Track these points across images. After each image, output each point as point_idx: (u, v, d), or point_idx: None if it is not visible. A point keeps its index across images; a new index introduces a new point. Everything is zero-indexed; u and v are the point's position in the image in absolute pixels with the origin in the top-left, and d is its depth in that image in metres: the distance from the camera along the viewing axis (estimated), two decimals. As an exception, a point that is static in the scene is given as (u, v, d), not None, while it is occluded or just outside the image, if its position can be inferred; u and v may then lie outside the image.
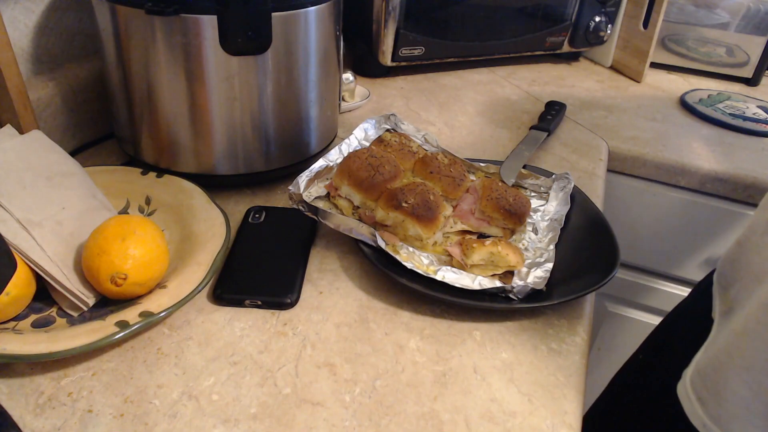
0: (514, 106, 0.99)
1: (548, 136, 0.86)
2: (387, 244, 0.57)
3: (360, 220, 0.61)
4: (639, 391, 0.65)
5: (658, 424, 0.58)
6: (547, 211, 0.67)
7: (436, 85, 1.05)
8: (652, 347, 0.70)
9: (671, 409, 0.53)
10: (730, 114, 0.99)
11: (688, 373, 0.53)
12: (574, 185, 0.69)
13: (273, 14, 0.59)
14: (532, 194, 0.71)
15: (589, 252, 0.61)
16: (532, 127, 0.86)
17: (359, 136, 0.72)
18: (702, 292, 0.61)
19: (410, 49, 1.00)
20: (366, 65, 1.04)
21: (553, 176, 0.71)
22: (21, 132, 0.60)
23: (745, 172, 0.84)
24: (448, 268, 0.57)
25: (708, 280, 0.61)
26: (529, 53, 1.14)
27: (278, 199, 0.69)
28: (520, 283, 0.55)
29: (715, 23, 1.12)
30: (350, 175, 0.62)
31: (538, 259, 0.59)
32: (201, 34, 0.57)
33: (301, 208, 0.60)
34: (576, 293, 0.54)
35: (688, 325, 0.61)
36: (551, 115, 0.90)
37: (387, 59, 1.00)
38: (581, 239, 0.63)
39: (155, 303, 0.49)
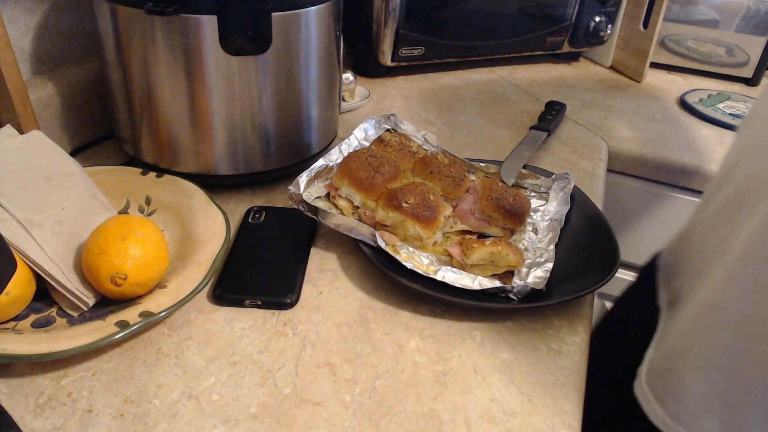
0: (514, 106, 0.99)
1: (548, 136, 0.86)
2: (387, 244, 0.57)
3: (360, 220, 0.61)
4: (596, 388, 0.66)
5: (618, 419, 0.59)
6: (547, 211, 0.67)
7: (436, 85, 1.05)
8: (605, 339, 0.70)
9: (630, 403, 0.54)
10: (730, 114, 0.99)
11: (643, 371, 0.54)
12: (574, 185, 0.69)
13: (273, 14, 0.59)
14: (532, 194, 0.71)
15: (589, 252, 0.61)
16: (532, 127, 0.86)
17: (359, 136, 0.72)
18: (646, 279, 0.62)
19: (410, 49, 1.00)
20: (366, 65, 1.04)
21: (553, 176, 0.71)
22: (21, 132, 0.60)
23: (745, 172, 0.84)
24: (448, 268, 0.57)
25: (651, 267, 0.63)
26: (529, 53, 1.14)
27: (278, 199, 0.69)
28: (520, 283, 0.55)
29: (716, 23, 1.12)
30: (350, 175, 0.62)
31: (538, 259, 0.59)
32: (201, 34, 0.57)
33: (301, 208, 0.60)
34: (576, 293, 0.54)
35: (636, 314, 0.62)
36: (551, 115, 0.90)
37: (387, 59, 1.00)
38: (581, 239, 0.63)
39: (155, 303, 0.49)
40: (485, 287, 0.54)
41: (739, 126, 0.54)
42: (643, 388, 0.52)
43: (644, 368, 0.54)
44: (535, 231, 0.64)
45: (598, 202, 0.73)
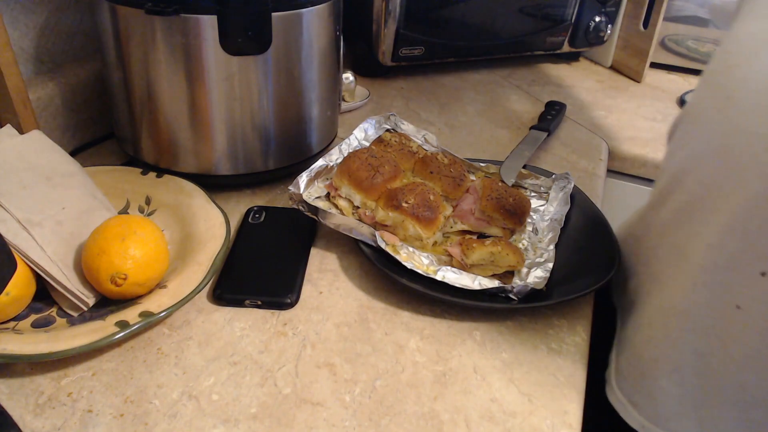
0: (514, 106, 0.99)
1: (548, 136, 0.85)
2: (387, 244, 0.57)
3: (360, 220, 0.61)
4: None
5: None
6: (547, 211, 0.67)
7: (436, 85, 1.05)
8: None
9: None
10: (730, 114, 0.98)
11: (612, 377, 0.54)
12: (574, 185, 0.69)
13: (273, 14, 0.59)
14: (532, 194, 0.71)
15: (589, 252, 0.61)
16: (532, 127, 0.86)
17: (359, 136, 0.72)
18: None
19: (410, 49, 1.00)
20: (366, 65, 1.04)
21: (553, 176, 0.71)
22: (21, 132, 0.60)
23: (745, 172, 0.84)
24: (448, 268, 0.57)
25: None
26: (529, 53, 1.14)
27: (278, 199, 0.69)
28: (520, 283, 0.55)
29: (716, 23, 1.12)
30: (350, 175, 0.62)
31: (538, 259, 0.59)
32: (201, 34, 0.57)
33: (301, 208, 0.60)
34: (576, 293, 0.54)
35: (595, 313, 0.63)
36: (551, 115, 0.90)
37: (387, 59, 1.00)
38: (581, 239, 0.63)
39: (155, 303, 0.49)
40: (485, 287, 0.54)
41: (679, 126, 0.54)
42: (616, 394, 0.53)
43: (612, 373, 0.55)
44: (535, 231, 0.64)
45: (598, 202, 0.73)
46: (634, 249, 0.58)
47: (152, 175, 0.66)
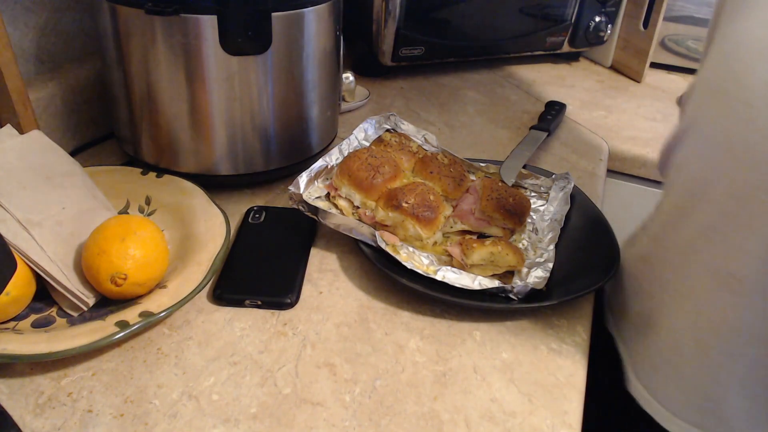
0: (514, 106, 0.99)
1: (548, 136, 0.85)
2: (387, 244, 0.57)
3: (360, 220, 0.61)
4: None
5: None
6: (547, 211, 0.67)
7: (436, 85, 1.05)
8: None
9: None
10: (730, 114, 0.98)
11: (659, 409, 0.53)
12: (574, 185, 0.69)
13: (273, 14, 0.59)
14: (532, 194, 0.71)
15: (589, 252, 0.61)
16: (532, 127, 0.86)
17: (359, 136, 0.72)
18: None
19: (410, 49, 1.00)
20: (366, 65, 1.04)
21: (553, 176, 0.71)
22: (21, 132, 0.60)
23: (745, 172, 0.84)
24: (448, 268, 0.57)
25: None
26: (529, 53, 1.14)
27: (278, 199, 0.69)
28: (520, 283, 0.55)
29: (715, 23, 1.12)
30: (350, 175, 0.62)
31: (538, 259, 0.59)
32: (201, 34, 0.57)
33: (301, 208, 0.60)
34: (576, 293, 0.54)
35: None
36: (551, 115, 0.90)
37: (387, 59, 1.00)
38: (581, 239, 0.63)
39: (155, 303, 0.49)
40: (485, 287, 0.54)
41: (684, 139, 0.51)
42: (677, 423, 0.52)
43: (656, 406, 0.54)
44: (535, 231, 0.64)
45: (598, 202, 0.73)
46: (646, 273, 0.56)
47: (152, 175, 0.65)
